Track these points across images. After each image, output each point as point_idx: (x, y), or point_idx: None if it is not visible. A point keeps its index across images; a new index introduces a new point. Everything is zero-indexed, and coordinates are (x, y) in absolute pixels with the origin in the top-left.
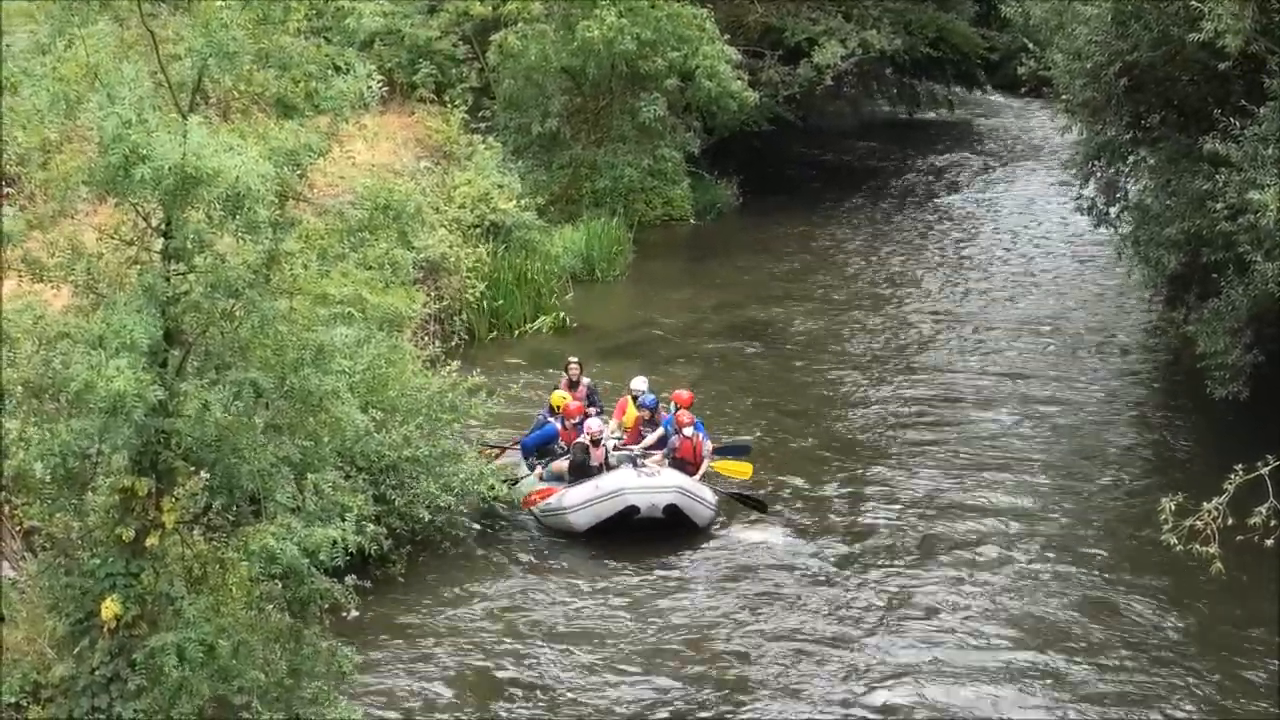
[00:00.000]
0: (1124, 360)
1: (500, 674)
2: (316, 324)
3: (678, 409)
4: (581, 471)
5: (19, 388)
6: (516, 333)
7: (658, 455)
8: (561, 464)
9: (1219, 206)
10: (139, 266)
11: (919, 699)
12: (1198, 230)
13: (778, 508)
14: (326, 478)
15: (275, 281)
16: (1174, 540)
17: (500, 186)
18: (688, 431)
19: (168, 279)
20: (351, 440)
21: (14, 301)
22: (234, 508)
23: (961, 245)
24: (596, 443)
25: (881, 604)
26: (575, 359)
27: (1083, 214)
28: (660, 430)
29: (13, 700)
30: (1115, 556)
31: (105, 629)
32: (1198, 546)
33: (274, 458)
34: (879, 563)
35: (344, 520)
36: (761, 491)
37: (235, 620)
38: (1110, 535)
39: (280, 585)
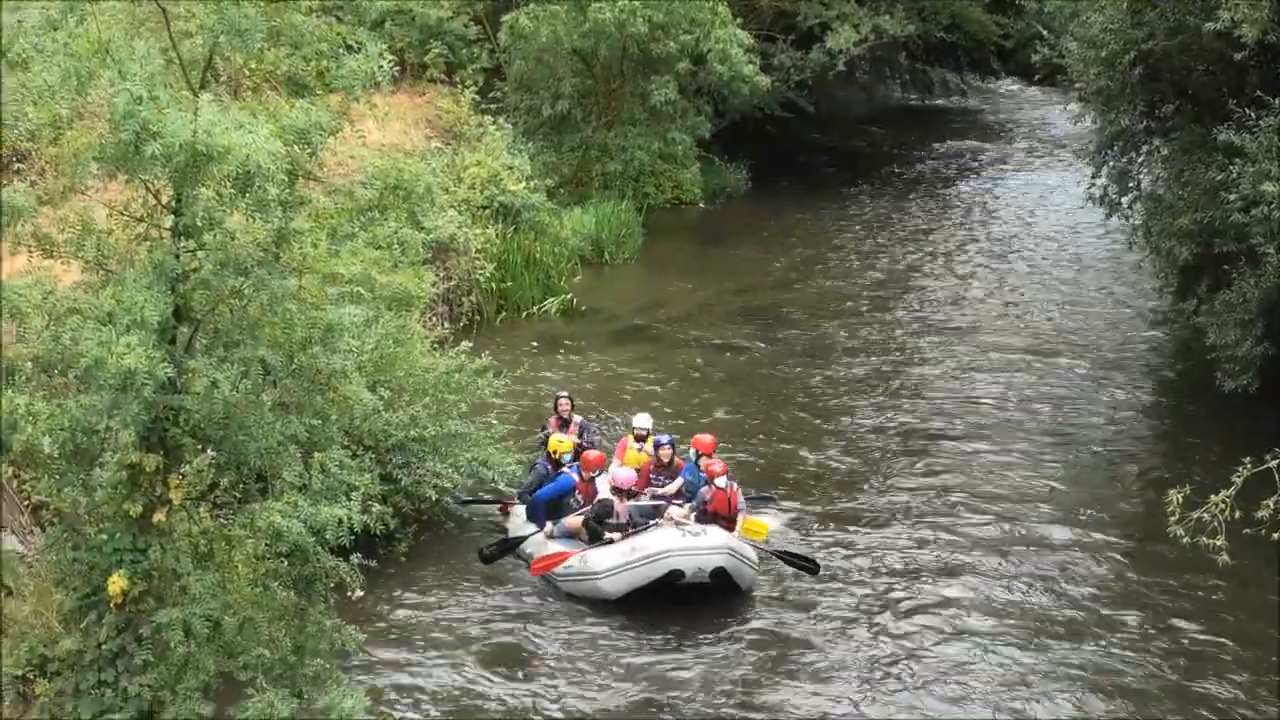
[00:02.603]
0: (1133, 351)
1: (504, 654)
2: (325, 303)
3: (700, 455)
4: (598, 529)
5: (29, 363)
6: (525, 314)
7: (683, 510)
8: (575, 520)
9: (1232, 198)
10: (149, 243)
11: (927, 684)
12: (1210, 221)
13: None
14: (334, 456)
15: (285, 260)
16: (1181, 532)
17: (510, 168)
18: (720, 482)
19: (177, 256)
20: (359, 419)
21: (24, 277)
22: (241, 485)
23: (971, 233)
24: (630, 495)
25: (890, 596)
26: (565, 394)
27: (1095, 203)
28: (679, 480)
29: (20, 673)
30: (1120, 548)
31: (112, 604)
32: (1204, 539)
33: (281, 436)
34: (885, 548)
35: (350, 499)
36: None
37: (241, 597)
38: (1116, 526)
39: (286, 563)
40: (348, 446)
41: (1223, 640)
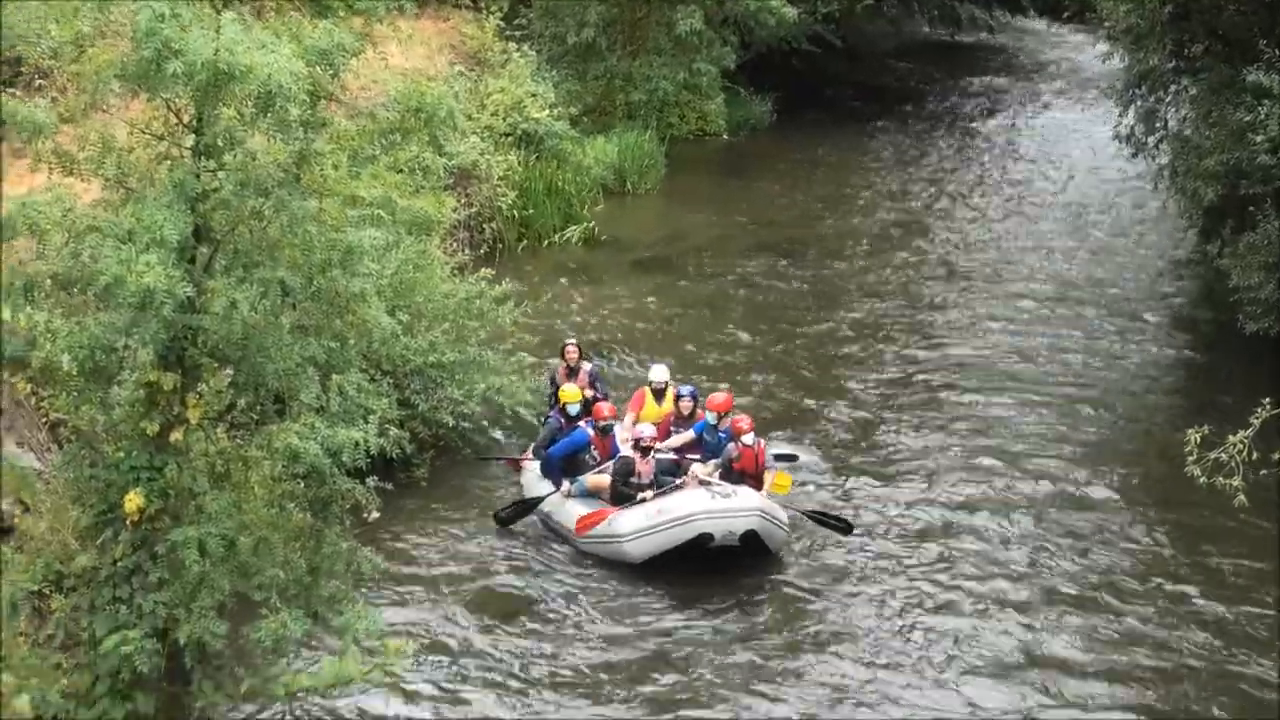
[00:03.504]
0: (1155, 292)
1: (518, 579)
2: (345, 225)
3: (719, 416)
4: (626, 490)
5: (48, 280)
6: (546, 242)
7: (707, 467)
8: (599, 479)
9: (1260, 139)
10: (169, 162)
11: (942, 628)
12: (1237, 163)
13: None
14: (351, 379)
15: (305, 181)
16: (1198, 472)
17: (534, 95)
18: (748, 439)
19: (198, 175)
20: (378, 343)
21: (44, 194)
22: (258, 406)
23: (996, 170)
24: (647, 452)
25: (910, 544)
26: (573, 341)
27: (1121, 143)
28: (691, 433)
29: (35, 588)
30: (1138, 486)
31: (128, 521)
32: (1221, 479)
33: (300, 357)
34: (903, 495)
35: (367, 422)
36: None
37: (257, 517)
38: (1134, 465)
39: (302, 485)
40: (366, 370)
41: (1226, 581)
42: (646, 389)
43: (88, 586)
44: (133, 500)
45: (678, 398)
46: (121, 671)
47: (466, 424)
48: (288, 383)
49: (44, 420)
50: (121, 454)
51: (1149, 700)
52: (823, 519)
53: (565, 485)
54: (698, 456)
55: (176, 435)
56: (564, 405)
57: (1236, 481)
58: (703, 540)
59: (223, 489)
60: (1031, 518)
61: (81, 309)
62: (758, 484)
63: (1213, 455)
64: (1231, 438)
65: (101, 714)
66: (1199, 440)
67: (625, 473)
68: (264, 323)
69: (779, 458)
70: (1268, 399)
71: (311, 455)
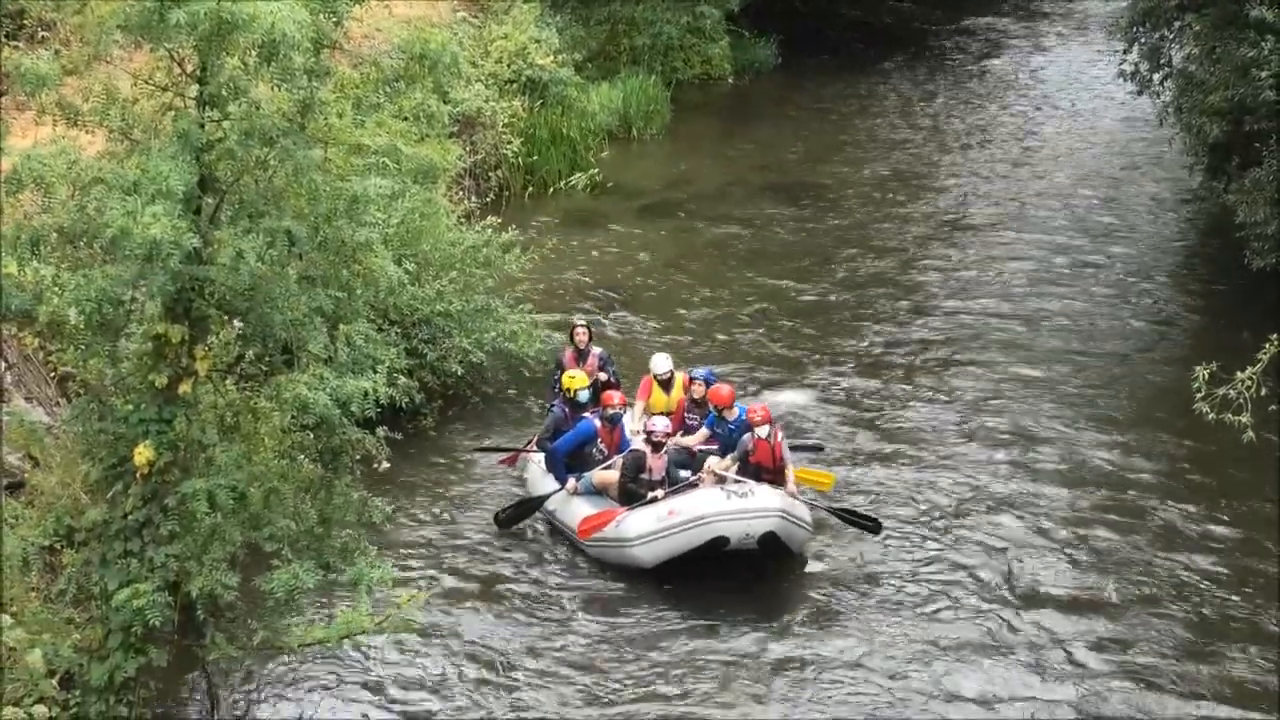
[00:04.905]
0: (1162, 229)
1: (529, 528)
2: (351, 174)
3: (720, 409)
4: (635, 487)
5: (54, 233)
6: (551, 190)
7: (724, 461)
8: (605, 475)
9: (1264, 75)
10: (174, 113)
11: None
12: (1241, 99)
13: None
14: (359, 329)
15: (310, 130)
16: (1206, 408)
17: (538, 41)
18: (762, 431)
19: (202, 126)
20: (385, 293)
21: (49, 147)
22: (267, 357)
23: (1001, 110)
24: (659, 446)
25: (920, 487)
26: (583, 322)
27: (1126, 80)
28: (705, 430)
29: (46, 543)
30: (1145, 423)
31: (138, 474)
32: (1229, 415)
33: (307, 308)
34: (907, 445)
35: (376, 372)
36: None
37: (267, 469)
38: (1141, 401)
39: (312, 435)
40: (373, 320)
41: (1230, 518)
42: (650, 377)
43: (98, 540)
44: (142, 453)
45: (691, 381)
46: (133, 625)
47: (473, 373)
48: (296, 333)
49: (52, 374)
50: (130, 407)
51: None
52: (851, 518)
53: (571, 482)
54: (715, 448)
55: (185, 387)
56: (574, 392)
57: (1245, 418)
58: (717, 544)
59: (232, 441)
60: (1025, 436)
61: (88, 262)
62: (777, 480)
63: (1221, 392)
64: (1240, 374)
65: (114, 668)
66: (1207, 377)
67: (635, 469)
68: (271, 273)
69: (800, 449)
70: (1275, 334)
71: (321, 406)
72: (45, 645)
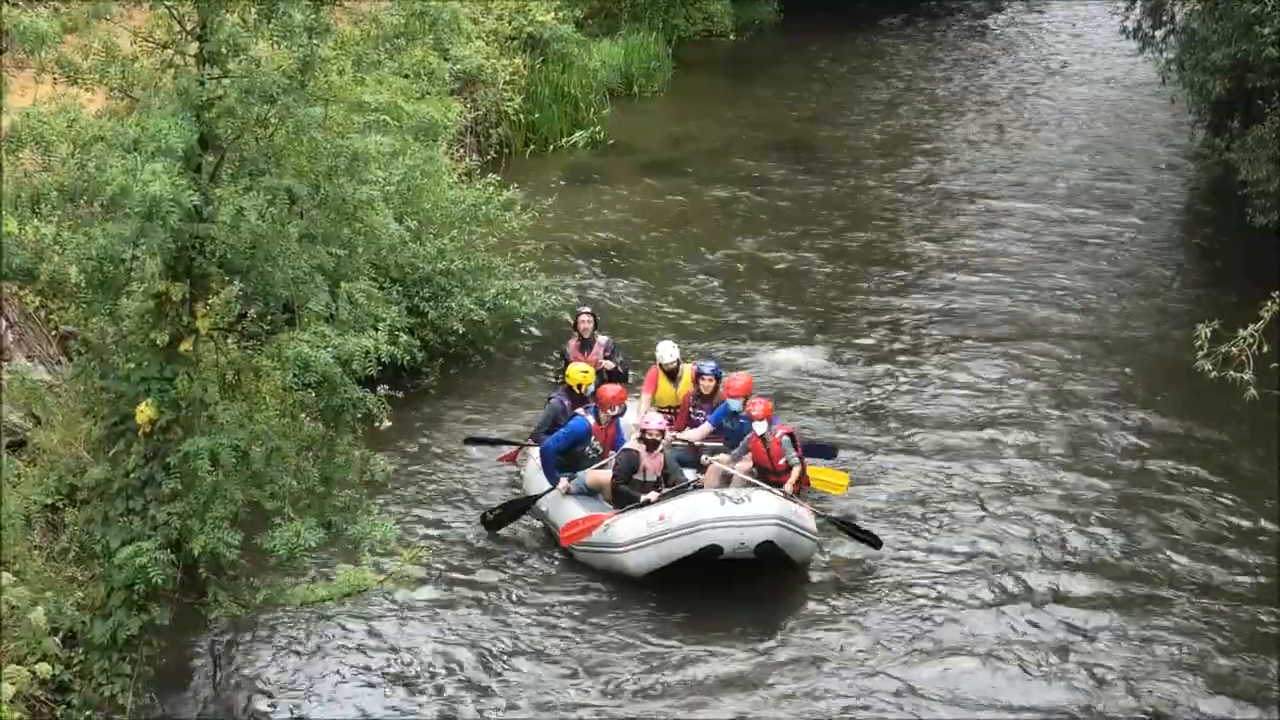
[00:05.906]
0: (1164, 186)
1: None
2: (351, 132)
3: (742, 402)
4: (627, 489)
5: (54, 191)
6: (553, 147)
7: (723, 459)
8: (601, 475)
9: (1266, 32)
10: (174, 70)
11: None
12: (1244, 56)
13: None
14: (360, 287)
15: (310, 88)
16: (1208, 366)
17: None
18: (760, 427)
19: (202, 83)
20: (386, 250)
21: (49, 105)
22: (268, 316)
23: (1006, 68)
24: (654, 445)
25: (913, 451)
26: (587, 310)
27: (1128, 37)
28: (708, 425)
29: (49, 501)
30: (1148, 389)
31: (140, 433)
32: (1231, 373)
33: (308, 266)
34: (905, 410)
35: (378, 330)
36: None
37: (268, 427)
38: (1144, 359)
39: (313, 394)
40: (374, 279)
41: (1232, 475)
42: (657, 367)
43: (101, 499)
44: (144, 411)
45: (698, 375)
46: (136, 583)
47: (474, 331)
48: (297, 291)
49: (54, 333)
50: (132, 365)
51: None
52: (852, 531)
53: (563, 482)
54: (720, 445)
55: (186, 345)
56: (579, 386)
57: (1247, 375)
58: (710, 553)
59: (234, 399)
60: (1024, 392)
61: (89, 220)
62: (779, 481)
63: (1223, 350)
64: (1242, 331)
65: (116, 625)
66: (1209, 335)
67: (628, 469)
68: (272, 231)
69: (813, 450)
70: (1277, 292)
71: (322, 364)
72: (48, 603)
